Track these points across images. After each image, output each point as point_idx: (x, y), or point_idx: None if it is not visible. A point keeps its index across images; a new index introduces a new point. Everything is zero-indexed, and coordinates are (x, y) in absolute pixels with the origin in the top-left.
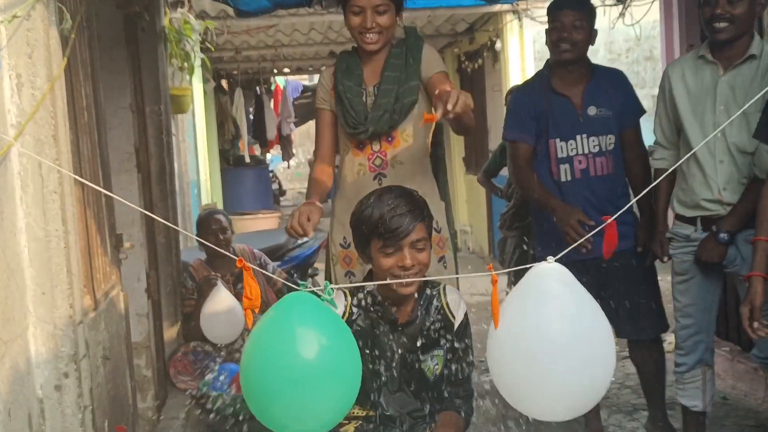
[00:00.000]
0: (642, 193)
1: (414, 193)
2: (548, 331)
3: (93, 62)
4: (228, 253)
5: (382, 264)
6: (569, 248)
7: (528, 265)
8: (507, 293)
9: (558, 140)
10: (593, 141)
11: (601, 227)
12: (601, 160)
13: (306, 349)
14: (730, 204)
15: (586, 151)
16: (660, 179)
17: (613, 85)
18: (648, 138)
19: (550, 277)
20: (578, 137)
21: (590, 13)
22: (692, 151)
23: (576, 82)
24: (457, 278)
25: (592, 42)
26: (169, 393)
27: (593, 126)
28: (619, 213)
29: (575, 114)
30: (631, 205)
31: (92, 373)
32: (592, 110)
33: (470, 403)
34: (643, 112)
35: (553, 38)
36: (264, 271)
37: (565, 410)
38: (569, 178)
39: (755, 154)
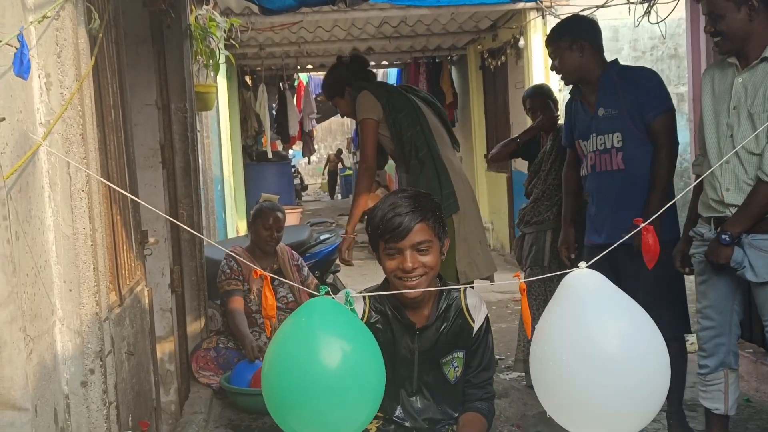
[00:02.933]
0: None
1: (422, 196)
2: (599, 351)
3: (119, 60)
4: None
5: (386, 266)
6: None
7: (560, 272)
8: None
9: (580, 140)
10: (600, 139)
11: (635, 231)
12: (605, 157)
13: (328, 356)
14: (734, 205)
15: (594, 149)
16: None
17: (625, 84)
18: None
19: (589, 289)
20: (591, 137)
21: (564, 37)
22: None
23: (593, 88)
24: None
25: (587, 55)
26: (191, 387)
27: (601, 126)
28: (651, 218)
29: (589, 116)
30: (664, 203)
31: (117, 368)
32: (601, 111)
33: (492, 404)
34: (665, 105)
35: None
36: (289, 280)
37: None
38: (584, 173)
39: (762, 155)
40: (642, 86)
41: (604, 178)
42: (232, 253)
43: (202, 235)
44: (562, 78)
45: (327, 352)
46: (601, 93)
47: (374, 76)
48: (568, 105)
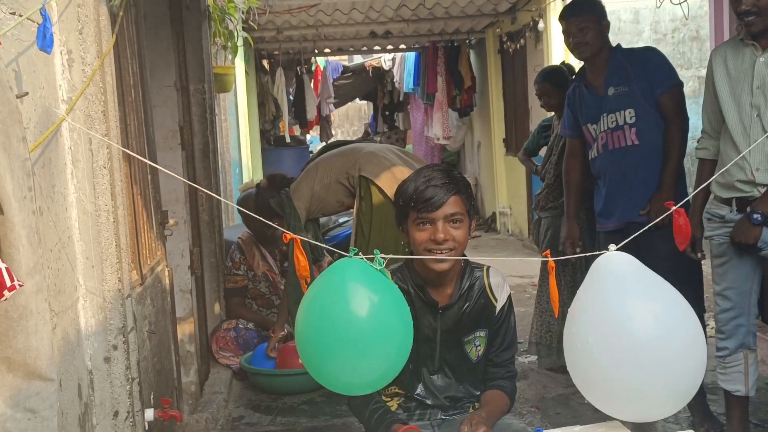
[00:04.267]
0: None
1: (455, 171)
2: (632, 332)
3: (139, 40)
4: (274, 225)
5: (416, 238)
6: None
7: (591, 253)
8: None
9: (589, 124)
10: (611, 118)
11: (666, 214)
12: (618, 134)
13: (357, 306)
14: (764, 185)
15: (605, 128)
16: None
17: (632, 62)
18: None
19: (623, 271)
20: (602, 117)
21: (592, 12)
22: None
23: (600, 70)
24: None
25: (605, 34)
26: (211, 368)
27: (612, 105)
28: (683, 201)
29: (599, 98)
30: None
31: (139, 345)
32: (611, 91)
33: (514, 383)
34: (672, 80)
35: (569, 43)
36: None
37: (659, 411)
38: (594, 156)
39: None
40: (649, 63)
41: (617, 155)
42: (240, 240)
43: (222, 217)
44: (581, 52)
45: (356, 302)
46: (609, 73)
47: (291, 180)
48: (570, 93)
